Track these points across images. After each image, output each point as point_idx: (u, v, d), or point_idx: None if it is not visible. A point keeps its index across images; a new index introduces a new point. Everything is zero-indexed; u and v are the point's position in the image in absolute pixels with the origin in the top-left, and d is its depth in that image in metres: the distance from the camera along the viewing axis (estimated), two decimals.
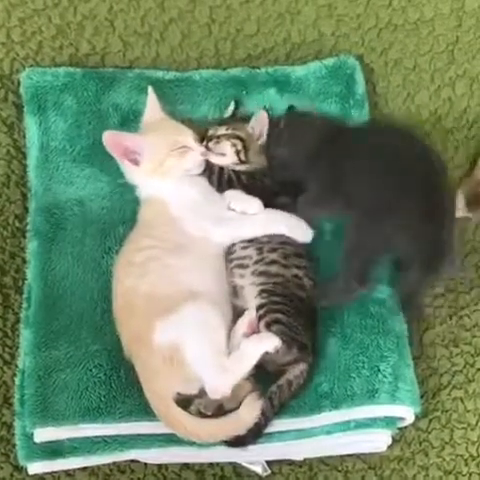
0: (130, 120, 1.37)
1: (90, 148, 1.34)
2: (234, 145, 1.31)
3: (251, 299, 1.19)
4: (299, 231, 1.23)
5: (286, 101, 1.40)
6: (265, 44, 1.46)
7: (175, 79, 1.42)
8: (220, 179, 1.29)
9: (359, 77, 1.44)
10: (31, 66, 1.39)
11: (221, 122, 1.37)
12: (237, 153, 1.31)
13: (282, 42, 1.46)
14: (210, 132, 1.34)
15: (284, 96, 1.42)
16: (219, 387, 1.10)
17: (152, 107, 1.32)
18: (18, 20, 1.37)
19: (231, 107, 1.40)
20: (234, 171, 1.30)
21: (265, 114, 1.35)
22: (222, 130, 1.33)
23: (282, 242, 1.23)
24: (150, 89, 1.33)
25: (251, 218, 1.24)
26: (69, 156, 1.33)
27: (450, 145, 1.50)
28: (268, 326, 1.15)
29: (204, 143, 1.31)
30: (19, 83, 1.37)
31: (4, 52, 1.38)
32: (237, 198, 1.26)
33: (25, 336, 1.21)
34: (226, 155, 1.31)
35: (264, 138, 1.34)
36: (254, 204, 1.24)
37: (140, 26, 1.41)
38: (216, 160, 1.30)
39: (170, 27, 1.42)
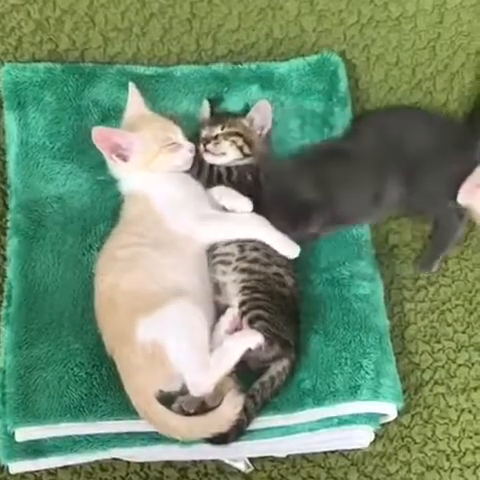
0: (111, 116, 1.36)
1: (70, 144, 1.33)
2: (234, 142, 1.31)
3: (233, 296, 1.19)
4: (282, 243, 1.22)
5: (268, 98, 1.40)
6: (247, 40, 1.44)
7: (156, 75, 1.41)
8: (210, 175, 1.28)
9: (342, 74, 1.44)
10: (10, 62, 1.37)
11: (212, 122, 1.35)
12: (240, 149, 1.31)
13: (264, 38, 1.45)
14: (205, 133, 1.34)
15: (266, 93, 1.42)
16: (201, 384, 1.10)
17: (135, 103, 1.31)
18: None
19: (206, 107, 1.39)
20: (227, 168, 1.29)
21: (267, 104, 1.36)
22: (217, 130, 1.33)
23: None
24: (131, 85, 1.32)
25: (236, 221, 1.23)
26: (49, 152, 1.32)
27: None
28: (251, 322, 1.15)
29: (202, 146, 1.31)
30: None
31: None
32: (227, 195, 1.25)
33: (5, 334, 1.19)
34: (227, 154, 1.31)
35: (269, 127, 1.35)
36: (244, 203, 1.24)
37: (120, 21, 1.39)
38: (218, 160, 1.31)
39: (151, 22, 1.40)
